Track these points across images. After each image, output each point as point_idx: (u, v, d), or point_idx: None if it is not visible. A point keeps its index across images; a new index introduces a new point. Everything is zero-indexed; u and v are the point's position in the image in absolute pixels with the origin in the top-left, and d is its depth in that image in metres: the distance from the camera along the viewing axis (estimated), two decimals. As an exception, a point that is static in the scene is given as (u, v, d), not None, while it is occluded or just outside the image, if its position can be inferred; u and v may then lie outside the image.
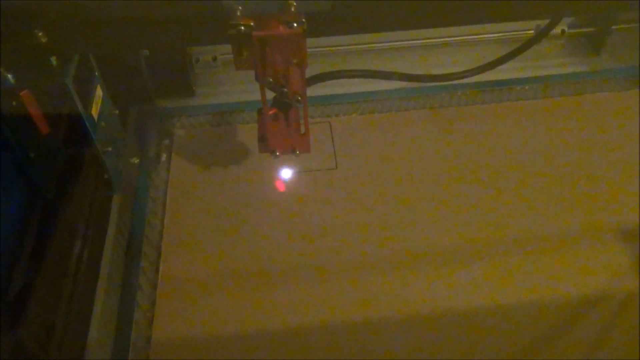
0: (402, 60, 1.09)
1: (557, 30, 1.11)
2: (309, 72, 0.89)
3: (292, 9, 0.66)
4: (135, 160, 0.91)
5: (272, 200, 0.89)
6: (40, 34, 0.69)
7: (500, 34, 1.12)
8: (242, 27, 0.66)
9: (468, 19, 0.81)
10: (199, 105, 1.05)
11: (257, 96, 0.70)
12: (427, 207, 0.88)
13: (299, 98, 0.70)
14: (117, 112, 0.87)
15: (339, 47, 1.08)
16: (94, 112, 0.79)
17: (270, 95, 0.71)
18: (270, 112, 0.71)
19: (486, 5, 0.74)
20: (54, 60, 0.72)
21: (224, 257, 0.82)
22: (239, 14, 0.66)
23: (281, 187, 0.88)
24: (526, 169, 0.92)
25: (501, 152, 0.95)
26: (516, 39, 1.11)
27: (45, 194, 0.75)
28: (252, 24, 0.67)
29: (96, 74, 0.81)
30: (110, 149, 0.82)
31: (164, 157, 0.94)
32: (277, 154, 0.77)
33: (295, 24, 0.67)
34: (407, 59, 1.10)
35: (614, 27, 1.12)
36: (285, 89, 0.69)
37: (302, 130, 0.76)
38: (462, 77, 0.97)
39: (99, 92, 0.81)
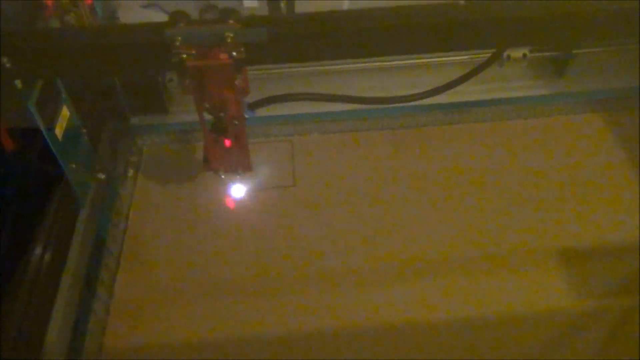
0: (366, 81, 1.13)
1: (518, 53, 1.14)
2: (266, 93, 0.95)
3: (229, 40, 0.71)
4: (102, 176, 0.96)
5: (229, 217, 0.93)
6: (5, 59, 0.76)
7: (462, 57, 1.16)
8: (184, 56, 0.72)
9: (412, 49, 0.86)
10: (169, 123, 1.10)
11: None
12: (382, 225, 0.92)
13: (236, 122, 0.75)
14: (84, 130, 0.93)
15: (304, 69, 1.12)
16: (59, 131, 0.85)
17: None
18: (211, 136, 0.76)
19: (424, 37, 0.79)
20: (18, 83, 0.78)
21: (179, 271, 0.87)
22: (178, 43, 0.72)
23: (231, 205, 0.93)
24: (479, 190, 0.96)
25: (456, 173, 0.99)
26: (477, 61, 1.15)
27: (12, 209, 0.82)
28: (193, 52, 0.73)
29: (63, 96, 0.87)
30: (74, 165, 0.88)
31: (130, 172, 1.00)
32: (221, 175, 0.82)
33: (234, 53, 0.72)
34: (368, 80, 1.13)
35: (576, 51, 1.15)
36: (222, 114, 0.74)
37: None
38: (416, 100, 1.01)
39: (64, 112, 0.87)
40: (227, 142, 0.79)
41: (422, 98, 1.00)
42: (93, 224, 0.93)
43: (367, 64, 1.13)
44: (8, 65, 0.76)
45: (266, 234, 0.91)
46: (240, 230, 0.91)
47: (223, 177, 0.82)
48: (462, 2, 0.80)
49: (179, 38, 0.71)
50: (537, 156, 1.01)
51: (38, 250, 0.83)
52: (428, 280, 0.85)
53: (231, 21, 0.71)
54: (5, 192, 0.82)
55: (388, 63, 1.14)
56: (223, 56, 0.72)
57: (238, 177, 0.83)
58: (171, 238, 0.91)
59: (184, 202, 0.95)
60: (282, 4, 0.98)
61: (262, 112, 1.03)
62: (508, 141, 1.04)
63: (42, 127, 0.79)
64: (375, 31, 0.76)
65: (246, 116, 0.88)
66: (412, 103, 1.04)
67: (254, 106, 0.87)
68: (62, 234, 0.88)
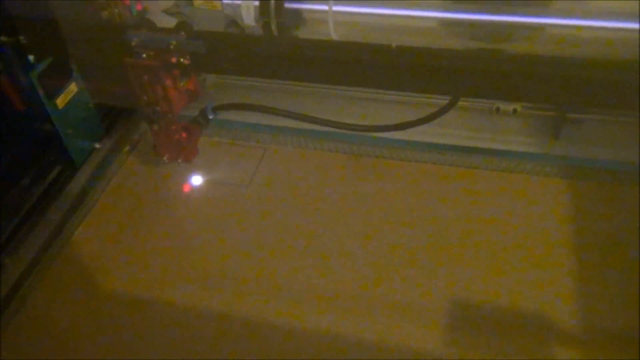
0: (349, 108, 1.21)
1: (507, 107, 1.16)
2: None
3: (171, 47, 0.85)
4: (97, 146, 1.15)
5: (181, 203, 1.07)
6: (22, 37, 0.96)
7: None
8: (144, 55, 0.88)
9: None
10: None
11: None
12: (319, 245, 0.98)
13: (170, 116, 0.89)
14: (91, 105, 1.12)
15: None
16: (60, 101, 1.04)
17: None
18: (153, 126, 0.91)
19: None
20: (31, 58, 0.99)
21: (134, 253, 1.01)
22: (133, 44, 0.87)
23: (186, 189, 1.07)
24: (415, 230, 1.00)
25: (402, 209, 1.03)
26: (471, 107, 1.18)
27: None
28: (151, 53, 0.88)
29: (73, 74, 1.07)
30: (70, 131, 1.07)
31: (126, 148, 1.17)
32: (165, 159, 0.96)
33: (182, 59, 0.87)
34: (350, 106, 1.21)
35: (573, 116, 1.14)
36: (158, 108, 0.88)
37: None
38: (376, 130, 1.07)
39: (72, 87, 1.07)
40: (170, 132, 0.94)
41: (384, 130, 1.06)
42: (81, 182, 1.12)
43: (350, 91, 1.21)
44: (24, 42, 0.97)
45: (202, 223, 1.03)
46: (184, 217, 1.04)
47: (166, 161, 0.96)
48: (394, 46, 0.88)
49: (135, 39, 0.87)
50: (490, 209, 1.02)
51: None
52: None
53: (182, 33, 0.86)
54: (10, 145, 1.03)
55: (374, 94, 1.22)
56: (164, 59, 0.86)
57: (179, 163, 0.96)
58: (130, 210, 1.06)
59: (155, 183, 1.10)
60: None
61: (246, 118, 1.17)
62: (471, 190, 1.05)
63: (41, 94, 0.99)
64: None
65: (209, 117, 1.02)
66: (385, 135, 1.11)
67: (217, 109, 1.00)
68: (49, 185, 1.09)
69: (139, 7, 1.06)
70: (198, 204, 1.06)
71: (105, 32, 0.93)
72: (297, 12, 1.09)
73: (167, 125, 0.91)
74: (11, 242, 1.02)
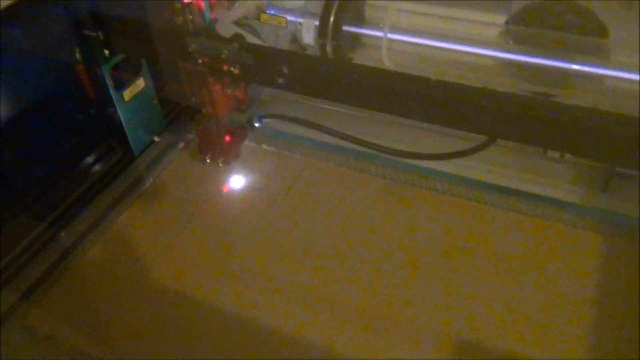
0: (394, 132, 1.22)
1: (555, 152, 1.14)
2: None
3: (223, 56, 0.92)
4: (156, 138, 1.24)
5: (218, 204, 1.13)
6: (100, 33, 1.07)
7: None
8: (199, 60, 0.95)
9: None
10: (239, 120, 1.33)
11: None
12: (341, 261, 1.01)
13: (215, 120, 0.95)
14: (155, 101, 1.22)
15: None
16: (127, 94, 1.14)
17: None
18: (199, 127, 0.98)
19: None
20: (106, 52, 1.09)
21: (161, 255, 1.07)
22: (190, 49, 0.95)
23: (225, 190, 1.13)
24: (447, 263, 1.00)
25: (435, 243, 1.04)
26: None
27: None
28: (206, 59, 0.95)
29: (143, 71, 1.16)
30: (133, 123, 1.17)
31: (181, 145, 1.25)
32: (207, 159, 1.03)
33: (232, 68, 0.93)
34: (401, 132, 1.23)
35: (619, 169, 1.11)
36: (204, 110, 0.95)
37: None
38: (415, 158, 1.09)
39: (139, 82, 1.16)
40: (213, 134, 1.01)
41: (419, 158, 1.08)
42: (135, 171, 1.21)
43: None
44: (101, 37, 1.07)
45: (234, 225, 1.08)
46: (219, 216, 1.10)
47: (208, 161, 1.03)
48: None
49: (193, 45, 0.94)
50: (518, 254, 1.01)
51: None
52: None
53: (235, 44, 0.92)
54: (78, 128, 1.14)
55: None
56: (215, 66, 0.93)
57: (220, 165, 1.03)
58: (172, 203, 1.14)
59: (198, 181, 1.17)
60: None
61: (293, 130, 1.22)
62: (502, 232, 1.04)
63: (109, 86, 1.09)
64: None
65: (255, 124, 1.08)
66: (425, 164, 1.13)
67: (264, 117, 1.06)
68: (107, 170, 1.19)
69: (212, 15, 1.14)
70: (234, 206, 1.12)
71: (172, 35, 1.01)
72: (356, 36, 1.14)
73: (211, 128, 0.98)
74: (66, 216, 1.12)
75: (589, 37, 1.06)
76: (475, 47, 1.11)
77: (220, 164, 1.04)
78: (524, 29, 1.12)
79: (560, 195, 1.12)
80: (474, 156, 1.10)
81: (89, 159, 1.18)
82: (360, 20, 1.12)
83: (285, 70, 0.91)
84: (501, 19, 1.12)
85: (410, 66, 1.12)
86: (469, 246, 1.03)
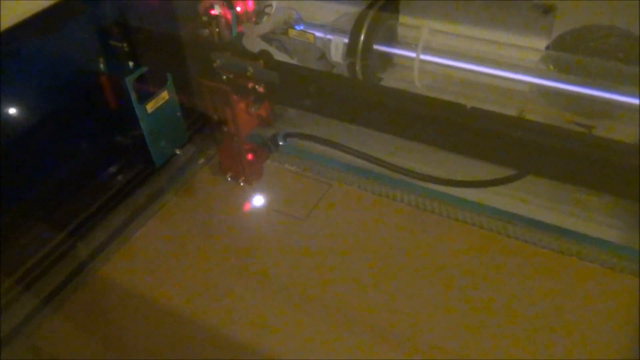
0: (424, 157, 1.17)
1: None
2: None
3: (248, 74, 0.89)
4: (177, 152, 1.21)
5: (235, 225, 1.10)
6: (125, 44, 1.05)
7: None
8: (224, 77, 0.92)
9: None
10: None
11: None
12: (356, 290, 0.97)
13: (235, 139, 0.92)
14: (179, 114, 1.19)
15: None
16: (150, 106, 1.11)
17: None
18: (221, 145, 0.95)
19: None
20: (130, 64, 1.07)
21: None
22: (215, 65, 0.92)
23: (244, 210, 1.10)
24: (457, 298, 0.95)
25: (448, 272, 0.99)
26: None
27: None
28: (231, 75, 0.92)
29: (168, 83, 1.14)
30: (155, 135, 1.14)
31: (201, 161, 1.23)
32: (228, 178, 0.99)
33: (257, 86, 0.90)
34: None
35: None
36: (225, 128, 0.92)
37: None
38: (442, 184, 1.04)
39: (164, 95, 1.14)
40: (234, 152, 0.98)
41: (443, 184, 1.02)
42: (156, 183, 1.19)
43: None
44: (126, 49, 1.05)
45: (249, 246, 1.05)
46: (234, 236, 1.07)
47: (229, 179, 1.00)
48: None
49: (218, 61, 0.92)
50: (543, 293, 0.95)
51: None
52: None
53: (261, 61, 0.89)
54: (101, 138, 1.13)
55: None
56: (239, 83, 0.90)
57: (241, 184, 0.99)
58: (189, 219, 1.11)
59: (218, 199, 1.14)
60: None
61: (319, 151, 1.18)
62: (530, 269, 0.98)
63: (132, 98, 1.07)
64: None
65: (280, 143, 1.05)
66: (452, 191, 1.08)
67: (289, 136, 1.02)
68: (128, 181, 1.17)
69: (239, 29, 1.11)
70: (252, 227, 1.08)
71: (197, 49, 0.99)
72: (387, 56, 1.09)
73: (233, 146, 0.95)
74: (84, 227, 1.10)
75: (634, 66, 1.01)
76: (512, 72, 1.05)
77: (242, 183, 1.01)
78: (566, 54, 1.06)
79: (595, 233, 1.05)
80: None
81: (111, 170, 1.17)
82: (391, 40, 1.07)
83: (312, 91, 0.87)
84: (542, 43, 1.06)
85: (442, 89, 1.07)
86: (492, 284, 0.97)
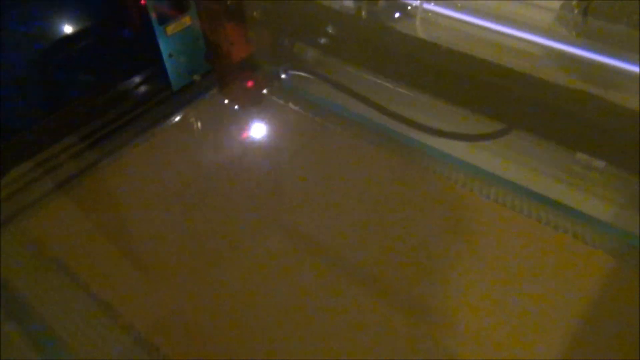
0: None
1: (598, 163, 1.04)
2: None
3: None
4: (197, 77, 1.28)
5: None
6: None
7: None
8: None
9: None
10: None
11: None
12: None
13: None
14: (199, 40, 1.25)
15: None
16: (170, 29, 1.18)
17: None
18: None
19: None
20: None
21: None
22: None
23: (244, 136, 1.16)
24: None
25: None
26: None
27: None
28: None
29: (191, 9, 1.20)
30: (172, 57, 1.22)
31: (214, 90, 1.29)
32: (226, 101, 1.05)
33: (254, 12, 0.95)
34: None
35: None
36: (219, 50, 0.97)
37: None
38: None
39: (186, 20, 1.20)
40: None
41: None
42: (170, 105, 1.27)
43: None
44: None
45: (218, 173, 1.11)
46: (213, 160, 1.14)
47: (226, 103, 1.06)
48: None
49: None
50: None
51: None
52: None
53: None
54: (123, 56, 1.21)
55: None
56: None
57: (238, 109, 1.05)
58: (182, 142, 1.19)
59: (216, 123, 1.20)
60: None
61: (330, 97, 1.20)
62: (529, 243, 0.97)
63: (152, 19, 1.14)
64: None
65: (282, 75, 1.09)
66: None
67: (291, 69, 1.06)
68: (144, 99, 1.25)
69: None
70: (246, 152, 1.14)
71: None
72: (395, 5, 1.11)
73: (230, 70, 1.00)
74: (96, 134, 1.21)
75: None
76: (522, 31, 1.04)
77: (236, 107, 1.07)
78: (578, 16, 1.04)
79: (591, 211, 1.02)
80: (500, 149, 1.04)
81: (127, 88, 1.26)
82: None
83: (306, 22, 0.91)
84: (556, 2, 1.04)
85: (444, 41, 1.07)
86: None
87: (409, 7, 1.07)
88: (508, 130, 0.98)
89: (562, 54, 1.05)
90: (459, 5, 1.05)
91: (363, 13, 1.07)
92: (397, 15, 1.03)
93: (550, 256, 0.95)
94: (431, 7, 1.02)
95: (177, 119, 1.24)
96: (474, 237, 0.98)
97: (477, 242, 0.97)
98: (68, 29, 1.13)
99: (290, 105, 1.20)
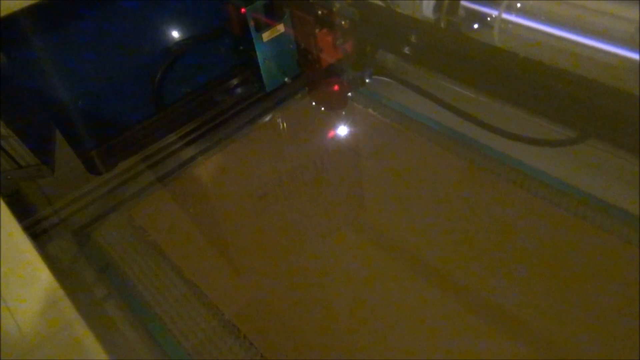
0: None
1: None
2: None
3: (334, 9, 0.99)
4: (288, 80, 1.36)
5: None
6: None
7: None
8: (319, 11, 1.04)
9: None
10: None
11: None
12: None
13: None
14: (292, 46, 1.33)
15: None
16: (265, 35, 1.27)
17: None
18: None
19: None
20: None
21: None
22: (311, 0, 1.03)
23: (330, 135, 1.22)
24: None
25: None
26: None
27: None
28: (325, 10, 1.04)
29: (285, 17, 1.28)
30: (268, 61, 1.30)
31: (298, 95, 1.36)
32: (313, 103, 1.12)
33: (342, 21, 1.01)
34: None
35: None
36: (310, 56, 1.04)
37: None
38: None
39: (279, 27, 1.29)
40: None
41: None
42: (264, 104, 1.36)
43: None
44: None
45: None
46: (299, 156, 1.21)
47: (313, 105, 1.12)
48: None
49: (317, 0, 1.03)
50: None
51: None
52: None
53: (349, 0, 0.99)
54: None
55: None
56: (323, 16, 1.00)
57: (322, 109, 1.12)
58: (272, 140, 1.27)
59: (304, 123, 1.27)
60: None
61: (409, 104, 1.24)
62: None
63: (250, 26, 1.23)
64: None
65: (366, 80, 1.15)
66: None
67: (375, 74, 1.11)
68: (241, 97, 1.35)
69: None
70: (319, 152, 1.21)
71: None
72: (475, 15, 1.12)
73: (319, 74, 1.07)
74: (194, 133, 1.31)
75: None
76: (602, 43, 1.02)
77: (323, 109, 1.14)
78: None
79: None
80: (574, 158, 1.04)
81: (229, 86, 1.36)
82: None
83: (385, 29, 0.95)
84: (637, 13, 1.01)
85: (522, 51, 1.07)
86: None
87: (488, 18, 1.08)
88: (583, 138, 0.97)
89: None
90: (538, 15, 1.05)
91: (442, 23, 1.10)
92: (475, 26, 1.04)
93: (623, 270, 0.94)
94: (511, 17, 1.03)
95: (268, 118, 1.33)
96: (541, 243, 0.99)
97: (545, 249, 0.98)
98: (178, 35, 1.25)
99: (370, 110, 1.26)
